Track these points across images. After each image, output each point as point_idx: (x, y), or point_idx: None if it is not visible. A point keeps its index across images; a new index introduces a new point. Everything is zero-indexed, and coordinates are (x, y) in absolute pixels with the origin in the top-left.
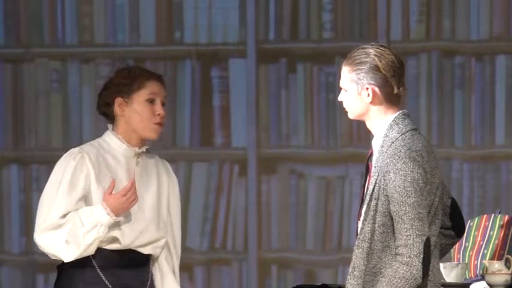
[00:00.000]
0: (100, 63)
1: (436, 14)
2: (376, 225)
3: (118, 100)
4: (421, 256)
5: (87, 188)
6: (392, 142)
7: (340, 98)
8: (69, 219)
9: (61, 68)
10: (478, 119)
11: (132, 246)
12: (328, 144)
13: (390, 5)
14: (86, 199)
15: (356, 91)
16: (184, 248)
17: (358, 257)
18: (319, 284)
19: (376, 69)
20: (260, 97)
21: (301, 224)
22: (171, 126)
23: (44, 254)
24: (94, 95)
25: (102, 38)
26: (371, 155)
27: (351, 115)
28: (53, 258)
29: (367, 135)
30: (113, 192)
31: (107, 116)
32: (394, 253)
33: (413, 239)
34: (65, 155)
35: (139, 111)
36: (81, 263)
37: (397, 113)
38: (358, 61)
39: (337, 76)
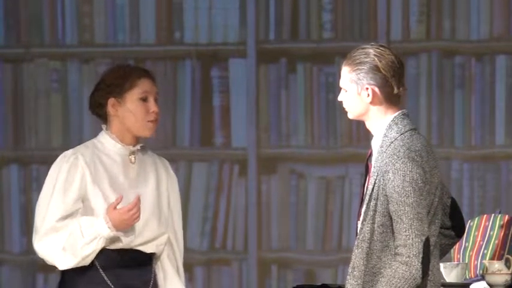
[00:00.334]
0: (100, 63)
1: (436, 14)
2: (376, 225)
3: (111, 101)
4: (421, 256)
5: (84, 189)
6: (392, 142)
7: (340, 98)
8: (68, 226)
9: (61, 68)
10: (478, 119)
11: (134, 245)
12: (328, 144)
13: (390, 5)
14: (83, 200)
15: (356, 91)
16: (185, 248)
17: (357, 257)
18: (319, 284)
19: (376, 69)
20: (260, 97)
21: (301, 224)
22: (171, 126)
23: None
24: None
25: (102, 38)
26: (370, 155)
27: (351, 115)
28: (50, 264)
29: (367, 135)
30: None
31: (99, 116)
32: (393, 253)
33: (412, 238)
34: (59, 157)
35: (133, 110)
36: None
37: (397, 113)
38: (358, 61)
39: (337, 76)
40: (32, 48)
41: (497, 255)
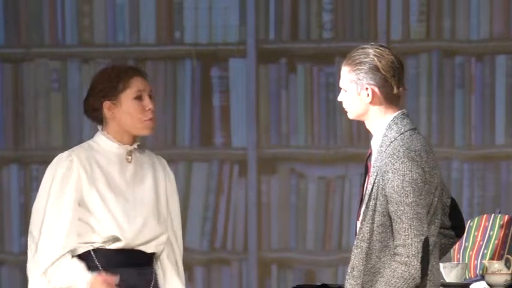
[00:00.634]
0: (100, 63)
1: (436, 14)
2: (375, 225)
3: (106, 104)
4: (420, 256)
5: (80, 192)
6: (391, 142)
7: (339, 98)
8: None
9: (61, 68)
10: (478, 119)
11: (135, 245)
12: (328, 144)
13: (390, 5)
14: (80, 203)
15: (356, 91)
16: (184, 248)
17: (357, 257)
18: (319, 284)
19: (375, 69)
20: (260, 97)
21: (301, 224)
22: (171, 126)
23: None
24: None
25: (102, 38)
26: (370, 154)
27: (351, 115)
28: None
29: (367, 135)
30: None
31: (95, 119)
32: (392, 253)
33: (411, 238)
34: (54, 160)
35: (129, 111)
36: (86, 264)
37: (396, 113)
38: (357, 61)
39: (337, 76)
40: (32, 48)
41: (497, 255)
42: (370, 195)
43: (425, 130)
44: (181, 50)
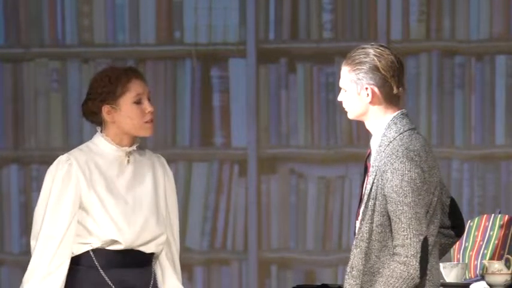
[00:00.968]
0: (100, 63)
1: (436, 14)
2: (374, 225)
3: (105, 108)
4: (419, 256)
5: (79, 195)
6: (390, 142)
7: (339, 98)
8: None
9: (61, 68)
10: (478, 119)
11: (135, 246)
12: (328, 144)
13: (390, 5)
14: (80, 205)
15: (355, 91)
16: (184, 248)
17: (356, 256)
18: (319, 284)
19: (375, 69)
20: (260, 97)
21: (301, 224)
22: (171, 126)
23: None
24: None
25: (102, 38)
26: (369, 154)
27: (351, 115)
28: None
29: (367, 135)
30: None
31: (93, 122)
32: (392, 253)
33: (410, 238)
34: (53, 164)
35: (129, 115)
36: (84, 264)
37: (396, 113)
38: (357, 61)
39: (337, 76)
40: (32, 48)
41: (497, 255)
42: (369, 195)
43: (425, 130)
44: (181, 50)
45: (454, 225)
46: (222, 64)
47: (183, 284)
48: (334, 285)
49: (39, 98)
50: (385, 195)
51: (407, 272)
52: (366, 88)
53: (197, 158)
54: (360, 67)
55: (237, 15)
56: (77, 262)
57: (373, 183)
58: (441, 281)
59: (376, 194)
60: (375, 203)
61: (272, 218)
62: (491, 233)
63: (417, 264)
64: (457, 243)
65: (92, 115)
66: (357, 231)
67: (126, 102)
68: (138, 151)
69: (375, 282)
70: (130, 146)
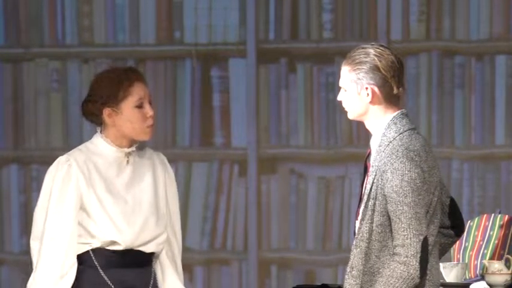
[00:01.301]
0: (100, 63)
1: (436, 14)
2: (374, 225)
3: (106, 111)
4: (419, 256)
5: (79, 195)
6: (390, 142)
7: (339, 98)
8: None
9: (61, 68)
10: (478, 119)
11: (135, 246)
12: (328, 144)
13: (390, 5)
14: (80, 206)
15: (356, 91)
16: (184, 248)
17: (356, 256)
18: (319, 284)
19: (376, 69)
20: (260, 97)
21: (301, 224)
22: (171, 126)
23: None
24: None
25: (102, 38)
26: (369, 154)
27: (350, 115)
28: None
29: (367, 135)
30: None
31: (93, 122)
32: (392, 253)
33: (410, 238)
34: (53, 164)
35: (130, 119)
36: (84, 264)
37: (396, 113)
38: (358, 61)
39: (337, 76)
40: (32, 48)
41: (497, 255)
42: (369, 195)
43: (425, 130)
44: (181, 50)
45: (453, 225)
46: (222, 64)
47: (183, 284)
48: (334, 285)
49: (39, 98)
50: (385, 195)
51: (408, 272)
52: (366, 88)
53: (197, 158)
54: (360, 67)
55: (237, 15)
56: (77, 262)
57: (373, 183)
58: (441, 281)
59: (376, 194)
60: (374, 203)
61: (272, 218)
62: (491, 233)
63: (417, 264)
64: (457, 243)
65: (92, 116)
66: (356, 231)
67: (128, 106)
68: (137, 151)
69: (375, 282)
70: (130, 147)
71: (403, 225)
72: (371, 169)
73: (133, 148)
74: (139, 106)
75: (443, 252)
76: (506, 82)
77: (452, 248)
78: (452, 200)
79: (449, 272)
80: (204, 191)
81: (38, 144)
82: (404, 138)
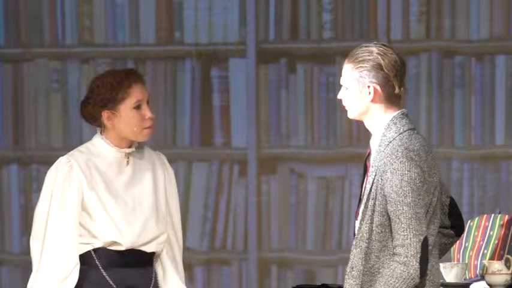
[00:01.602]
0: (100, 63)
1: (436, 14)
2: (374, 225)
3: (105, 113)
4: (419, 256)
5: (81, 195)
6: (390, 141)
7: (339, 96)
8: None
9: (61, 68)
10: (478, 119)
11: (136, 246)
12: (328, 144)
13: (390, 5)
14: (82, 207)
15: (357, 89)
16: (184, 248)
17: (356, 256)
18: (319, 284)
19: (379, 67)
20: (260, 97)
21: (301, 224)
22: (171, 126)
23: None
24: None
25: (102, 38)
26: (369, 154)
27: (350, 114)
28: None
29: (367, 135)
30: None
31: (92, 124)
32: (392, 253)
33: (410, 238)
34: (53, 165)
35: (129, 120)
36: (86, 264)
37: (396, 113)
38: (361, 59)
39: (337, 76)
40: (32, 48)
41: (497, 255)
42: (369, 195)
43: (425, 130)
44: (181, 50)
45: (453, 224)
46: (222, 64)
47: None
48: (334, 285)
49: (39, 98)
50: (384, 195)
51: (407, 272)
52: (368, 86)
53: (197, 158)
54: (363, 65)
55: (237, 15)
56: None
57: (372, 183)
58: (441, 281)
59: (376, 194)
60: (374, 203)
61: (272, 218)
62: (491, 233)
63: (417, 264)
64: (457, 243)
65: (91, 119)
66: (356, 231)
67: (126, 108)
68: (137, 151)
69: (375, 283)
70: (129, 147)
71: (402, 225)
72: (371, 169)
73: (133, 149)
74: (138, 108)
75: (443, 252)
76: (506, 82)
77: (452, 248)
78: (452, 200)
79: (449, 272)
80: (204, 191)
81: (38, 144)
82: (404, 138)
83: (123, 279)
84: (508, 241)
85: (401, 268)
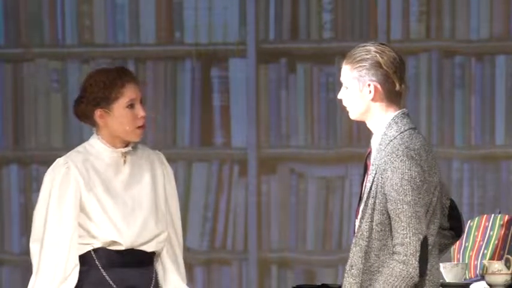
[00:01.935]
0: (100, 63)
1: (436, 14)
2: (374, 224)
3: (98, 112)
4: (418, 255)
5: (79, 196)
6: (391, 140)
7: (340, 96)
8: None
9: (61, 68)
10: (478, 119)
11: (135, 245)
12: (328, 144)
13: (390, 5)
14: (80, 208)
15: (358, 88)
16: (185, 248)
17: (355, 255)
18: (319, 284)
19: (378, 65)
20: (260, 97)
21: (301, 224)
22: (171, 126)
23: None
24: None
25: (102, 38)
26: (370, 153)
27: (352, 114)
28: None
29: (367, 135)
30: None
31: (86, 123)
32: (391, 252)
33: (409, 237)
34: (51, 167)
35: (121, 119)
36: (86, 264)
37: (397, 112)
38: (359, 58)
39: (337, 76)
40: (32, 48)
41: (497, 255)
42: (369, 194)
43: (425, 130)
44: (181, 50)
45: (453, 226)
46: (222, 64)
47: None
48: (334, 285)
49: (39, 98)
50: (385, 193)
51: (407, 271)
52: (369, 85)
53: (197, 158)
54: (362, 64)
55: (237, 15)
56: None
57: (373, 181)
58: (441, 281)
59: (376, 193)
60: (374, 202)
61: (272, 218)
62: (491, 233)
63: (416, 263)
64: (457, 243)
65: (85, 117)
66: (356, 229)
67: (119, 107)
68: (135, 150)
69: (375, 281)
70: (125, 146)
71: (402, 224)
72: (371, 168)
73: (130, 148)
74: (131, 107)
75: (443, 252)
76: (506, 82)
77: (452, 248)
78: (452, 202)
79: (449, 272)
80: (204, 191)
81: (38, 144)
82: (405, 137)
83: (123, 279)
84: (508, 241)
85: (401, 267)
